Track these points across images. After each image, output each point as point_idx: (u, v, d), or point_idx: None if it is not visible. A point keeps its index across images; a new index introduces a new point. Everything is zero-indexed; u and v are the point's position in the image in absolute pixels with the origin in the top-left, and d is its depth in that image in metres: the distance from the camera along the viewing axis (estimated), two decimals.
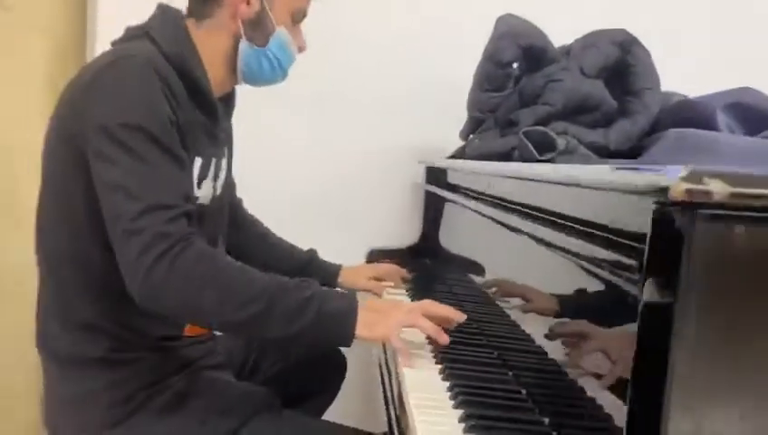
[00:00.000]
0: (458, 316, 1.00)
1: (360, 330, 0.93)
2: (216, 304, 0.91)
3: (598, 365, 0.64)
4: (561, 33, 1.55)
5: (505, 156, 1.41)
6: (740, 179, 0.43)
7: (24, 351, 1.14)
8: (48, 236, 1.04)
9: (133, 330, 1.01)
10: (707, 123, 1.22)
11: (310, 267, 1.40)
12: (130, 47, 1.02)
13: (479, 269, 1.30)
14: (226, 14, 1.08)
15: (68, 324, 1.02)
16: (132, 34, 1.07)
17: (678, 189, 0.43)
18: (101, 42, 1.75)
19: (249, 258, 1.27)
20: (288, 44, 1.12)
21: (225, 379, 1.13)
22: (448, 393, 0.85)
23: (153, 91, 0.94)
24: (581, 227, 0.67)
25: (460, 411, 0.79)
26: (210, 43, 1.09)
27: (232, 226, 1.30)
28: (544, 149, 1.34)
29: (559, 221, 0.76)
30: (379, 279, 1.46)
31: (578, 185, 0.67)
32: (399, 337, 0.95)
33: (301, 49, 1.16)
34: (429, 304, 1.01)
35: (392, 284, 1.46)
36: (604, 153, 1.41)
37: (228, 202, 1.27)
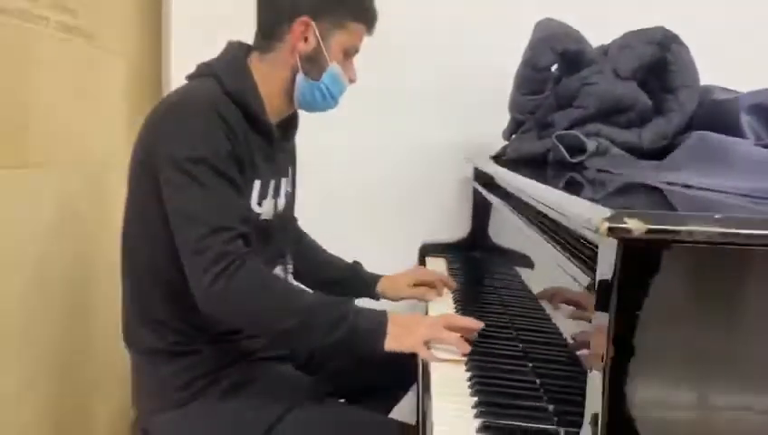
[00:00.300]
0: (477, 325, 1.12)
1: (389, 343, 1.07)
2: (262, 317, 1.08)
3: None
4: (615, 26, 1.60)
5: (542, 157, 1.50)
6: (655, 218, 0.53)
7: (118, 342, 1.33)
8: (130, 246, 1.22)
9: (196, 327, 1.18)
10: (730, 125, 1.26)
11: (352, 279, 1.52)
12: (197, 87, 1.19)
13: (527, 262, 1.38)
14: (286, 49, 1.22)
15: (143, 321, 1.21)
16: (201, 72, 1.23)
17: (602, 227, 0.53)
18: (176, 64, 1.96)
19: (304, 269, 1.45)
20: (339, 78, 1.24)
21: (276, 368, 1.28)
22: (468, 383, 0.97)
23: (213, 129, 1.09)
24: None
25: (475, 399, 0.91)
26: (271, 75, 1.23)
27: (292, 239, 1.45)
28: (576, 152, 1.42)
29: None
30: (422, 284, 1.51)
31: (551, 208, 0.78)
32: (425, 348, 1.07)
33: (351, 81, 1.28)
34: (450, 317, 1.13)
35: (437, 290, 1.50)
36: (637, 152, 1.47)
37: (291, 217, 1.42)
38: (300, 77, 1.22)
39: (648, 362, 0.56)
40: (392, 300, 1.52)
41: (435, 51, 1.97)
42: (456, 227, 1.94)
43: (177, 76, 1.85)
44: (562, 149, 1.40)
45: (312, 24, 1.20)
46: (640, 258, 0.54)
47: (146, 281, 1.20)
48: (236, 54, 1.24)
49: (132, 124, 1.81)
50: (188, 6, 1.98)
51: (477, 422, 0.84)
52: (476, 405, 0.89)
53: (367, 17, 1.24)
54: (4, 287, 1.31)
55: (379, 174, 2.01)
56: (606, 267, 0.56)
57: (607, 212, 0.53)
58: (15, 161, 1.39)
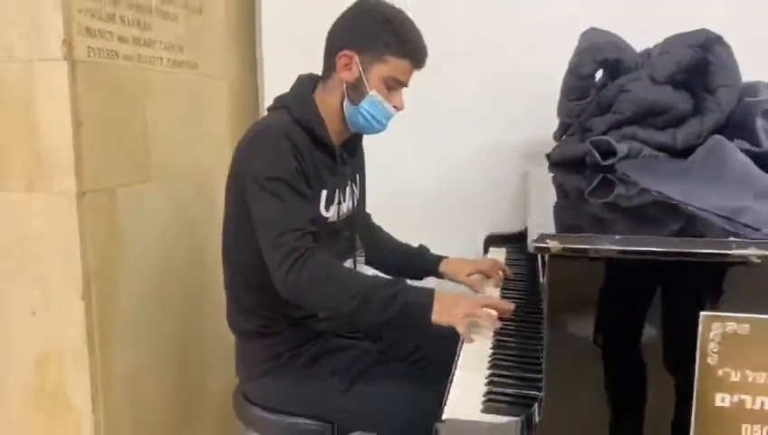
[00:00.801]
0: (509, 307, 1.32)
1: (434, 317, 1.28)
2: (327, 299, 1.32)
3: None
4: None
5: (582, 159, 1.65)
6: (569, 239, 0.72)
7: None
8: (227, 245, 1.52)
9: (278, 313, 1.46)
10: (747, 129, 1.36)
11: (419, 261, 1.74)
12: (273, 118, 1.45)
13: None
14: (337, 78, 1.46)
15: (238, 309, 1.51)
16: (276, 105, 1.50)
17: (531, 247, 0.73)
18: (270, 84, 2.26)
19: (376, 256, 1.70)
20: (379, 104, 1.44)
21: (348, 343, 1.54)
22: (488, 359, 1.18)
23: (285, 152, 1.36)
24: None
25: (488, 371, 1.12)
26: (329, 101, 1.48)
27: (364, 233, 1.71)
28: (609, 155, 1.56)
29: None
30: (482, 273, 1.68)
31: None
32: (462, 323, 1.28)
33: (397, 108, 1.47)
34: (487, 298, 1.34)
35: (494, 279, 1.67)
36: (671, 152, 1.59)
37: (360, 216, 1.67)
38: (345, 102, 1.46)
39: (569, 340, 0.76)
40: (453, 281, 1.73)
41: (495, 57, 2.15)
42: (516, 220, 2.12)
43: (270, 95, 2.15)
44: (595, 153, 1.55)
45: (355, 56, 1.42)
46: (560, 269, 0.74)
47: (238, 274, 1.50)
48: (303, 87, 1.50)
49: (234, 139, 2.14)
50: (279, 33, 2.27)
51: (484, 390, 1.05)
52: (488, 377, 1.10)
53: (407, 53, 1.42)
54: (126, 284, 1.66)
55: (447, 171, 2.22)
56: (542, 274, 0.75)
57: (535, 235, 0.73)
58: (140, 178, 1.73)
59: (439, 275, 1.73)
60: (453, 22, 2.15)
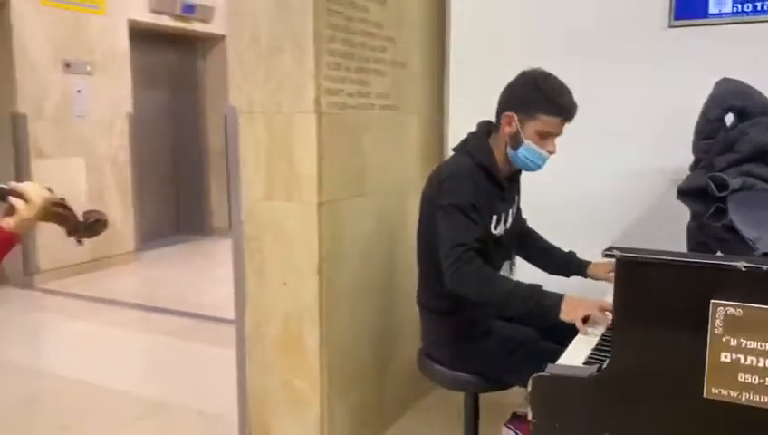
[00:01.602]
0: None
1: (561, 316, 1.75)
2: (483, 296, 1.86)
3: None
4: None
5: (703, 190, 1.99)
6: (628, 250, 1.18)
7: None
8: (422, 248, 2.10)
9: (461, 298, 1.94)
10: None
11: (570, 263, 2.19)
12: (460, 163, 1.99)
13: None
14: (502, 130, 1.98)
15: (430, 293, 2.08)
16: (461, 148, 2.05)
17: (602, 253, 1.20)
18: (453, 120, 2.82)
19: (533, 256, 2.19)
20: (533, 150, 1.93)
21: (508, 324, 2.04)
22: (591, 347, 1.61)
23: (467, 189, 1.90)
24: None
25: (588, 352, 1.57)
26: (499, 147, 2.01)
27: (525, 239, 2.22)
28: (724, 188, 1.91)
29: None
30: None
31: None
32: (579, 322, 1.72)
33: (550, 152, 1.96)
34: (604, 302, 1.77)
35: None
36: None
37: (517, 231, 2.18)
38: (508, 148, 1.98)
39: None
40: (595, 280, 2.16)
41: (645, 96, 2.51)
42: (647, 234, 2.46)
43: (453, 127, 2.73)
44: (712, 186, 1.90)
45: (514, 116, 1.93)
46: (627, 270, 1.20)
47: (427, 267, 2.07)
48: (481, 135, 2.04)
49: (422, 162, 2.75)
50: (463, 79, 2.83)
51: (582, 359, 1.51)
52: (587, 357, 1.55)
53: (556, 112, 1.90)
54: (346, 267, 2.32)
55: (602, 191, 2.60)
56: None
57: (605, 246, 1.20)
58: (358, 192, 2.39)
59: (586, 276, 2.17)
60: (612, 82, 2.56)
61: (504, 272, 2.16)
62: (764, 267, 1.11)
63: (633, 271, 1.22)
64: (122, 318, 4.42)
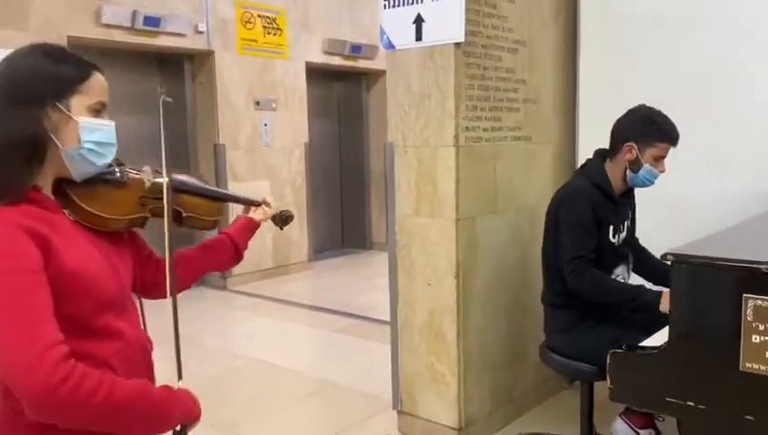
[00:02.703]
0: None
1: (662, 308, 2.09)
2: (598, 296, 2.27)
3: None
4: None
5: None
6: (680, 255, 1.55)
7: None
8: (547, 255, 2.52)
9: (574, 294, 2.35)
10: None
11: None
12: (578, 184, 2.43)
13: None
14: (621, 157, 2.38)
15: (550, 290, 2.50)
16: (580, 172, 2.49)
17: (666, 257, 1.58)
18: (582, 147, 3.20)
19: (643, 269, 2.55)
20: (650, 172, 2.33)
21: (615, 314, 2.39)
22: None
23: (584, 207, 2.33)
24: None
25: None
26: (615, 171, 2.41)
27: (634, 250, 2.57)
28: None
29: None
30: None
31: None
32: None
33: (662, 172, 2.35)
34: None
35: None
36: None
37: (629, 240, 2.54)
38: (628, 172, 2.38)
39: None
40: None
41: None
42: None
43: (584, 153, 3.11)
44: None
45: (634, 145, 2.34)
46: (679, 271, 1.57)
47: (550, 270, 2.50)
48: (598, 161, 2.46)
49: (554, 185, 3.15)
50: (590, 110, 3.20)
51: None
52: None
53: (668, 140, 2.31)
54: (479, 272, 2.79)
55: (716, 217, 2.84)
56: None
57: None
58: (491, 210, 2.86)
59: None
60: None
61: (622, 274, 2.53)
62: None
63: (683, 271, 1.59)
64: (298, 316, 5.21)
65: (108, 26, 5.06)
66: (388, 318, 3.03)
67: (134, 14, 5.17)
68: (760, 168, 2.74)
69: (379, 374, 3.34)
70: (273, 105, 6.35)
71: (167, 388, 1.22)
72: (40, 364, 1.00)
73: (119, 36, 5.15)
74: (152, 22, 5.30)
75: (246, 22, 6.09)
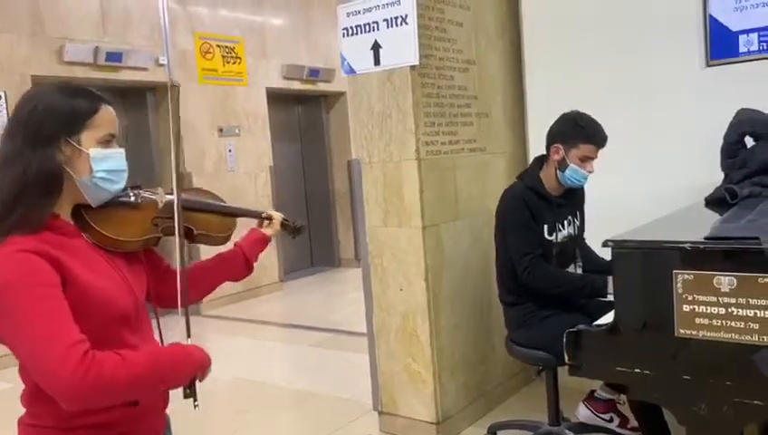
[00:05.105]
0: None
1: (609, 289, 2.34)
2: (551, 289, 2.51)
3: None
4: None
5: (723, 199, 2.51)
6: (619, 241, 1.79)
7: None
8: (499, 257, 2.74)
9: (526, 291, 2.60)
10: None
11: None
12: (516, 188, 2.67)
13: None
14: (551, 159, 2.62)
15: (502, 289, 2.73)
16: (519, 177, 2.73)
17: (607, 244, 1.81)
18: (532, 156, 3.46)
19: (591, 268, 2.79)
20: (576, 172, 2.56)
21: (559, 310, 2.64)
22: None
23: (520, 208, 2.56)
24: None
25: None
26: (549, 172, 2.65)
27: (582, 251, 2.82)
28: (735, 196, 2.42)
29: None
30: None
31: None
32: None
33: (590, 172, 2.58)
34: None
35: None
36: None
37: (575, 239, 2.78)
38: (558, 171, 2.61)
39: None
40: None
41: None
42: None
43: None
44: (726, 195, 2.43)
45: (560, 146, 2.58)
46: (619, 255, 1.81)
47: (502, 268, 2.73)
48: (534, 165, 2.71)
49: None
50: (540, 123, 3.47)
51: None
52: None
53: (592, 141, 2.54)
54: (447, 275, 3.01)
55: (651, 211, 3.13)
56: None
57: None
58: (453, 217, 3.09)
59: None
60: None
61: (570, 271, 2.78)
62: (701, 246, 1.70)
63: (623, 255, 1.83)
64: (273, 334, 5.36)
65: (71, 63, 5.18)
66: (361, 330, 3.22)
67: (96, 50, 5.30)
68: (686, 166, 3.03)
69: (358, 381, 3.53)
70: (237, 131, 6.51)
71: (178, 344, 1.33)
72: (67, 361, 1.12)
73: (81, 73, 5.26)
74: (114, 57, 5.43)
75: (206, 52, 6.27)
